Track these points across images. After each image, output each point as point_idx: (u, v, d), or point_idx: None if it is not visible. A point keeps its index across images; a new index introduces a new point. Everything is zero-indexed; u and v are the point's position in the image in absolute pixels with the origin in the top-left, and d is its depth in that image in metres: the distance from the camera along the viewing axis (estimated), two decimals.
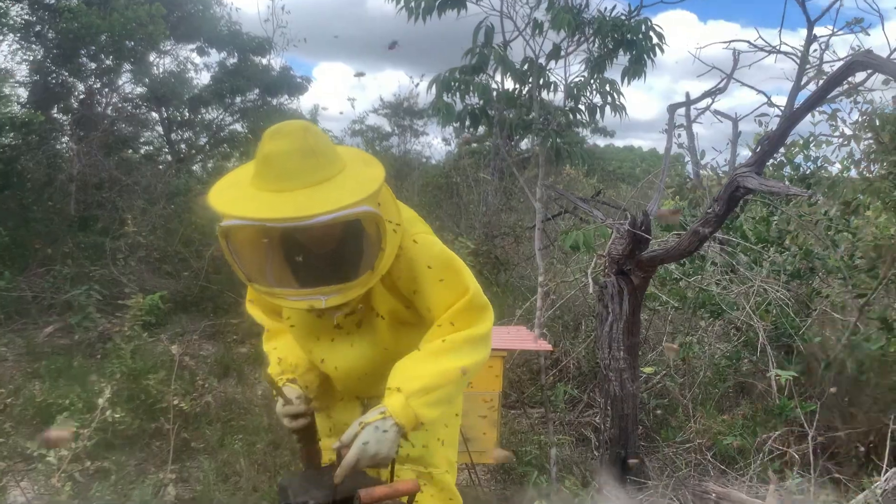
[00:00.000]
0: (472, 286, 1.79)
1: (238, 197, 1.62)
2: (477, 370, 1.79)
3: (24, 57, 8.03)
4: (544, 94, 4.98)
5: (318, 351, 1.92)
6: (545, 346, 3.76)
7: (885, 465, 3.50)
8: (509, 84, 5.05)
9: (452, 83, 4.80)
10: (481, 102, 4.99)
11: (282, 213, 1.54)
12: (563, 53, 4.82)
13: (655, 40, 4.54)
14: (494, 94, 4.99)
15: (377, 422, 1.59)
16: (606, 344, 3.83)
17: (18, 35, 7.79)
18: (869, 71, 4.72)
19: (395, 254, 1.71)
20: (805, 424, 3.68)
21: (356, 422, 1.61)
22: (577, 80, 4.89)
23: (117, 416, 3.72)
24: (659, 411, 4.49)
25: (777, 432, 3.87)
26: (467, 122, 5.13)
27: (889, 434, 3.66)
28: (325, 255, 1.70)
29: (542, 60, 4.88)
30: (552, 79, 4.96)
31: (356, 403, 2.02)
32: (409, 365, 1.71)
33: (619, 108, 4.73)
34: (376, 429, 1.58)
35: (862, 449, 3.86)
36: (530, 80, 4.85)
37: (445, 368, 1.68)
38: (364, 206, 1.57)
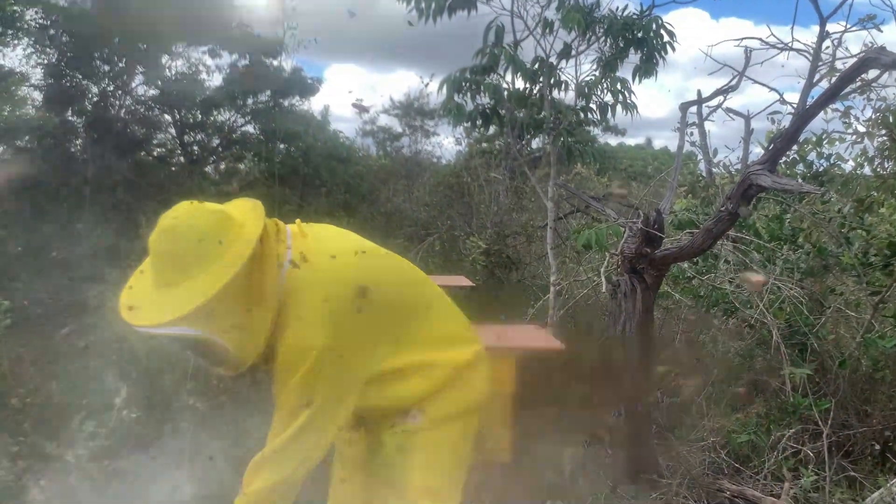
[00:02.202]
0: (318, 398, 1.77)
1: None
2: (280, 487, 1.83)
3: (39, 60, 8.11)
4: (555, 94, 5.00)
5: None
6: (558, 344, 3.76)
7: None
8: (520, 84, 5.07)
9: (463, 83, 4.83)
10: (492, 102, 5.01)
11: (122, 309, 1.68)
12: (573, 53, 4.84)
13: (666, 38, 4.54)
14: (505, 93, 5.01)
15: None
16: (620, 343, 3.84)
17: (33, 39, 7.87)
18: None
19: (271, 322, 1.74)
20: (819, 422, 3.67)
21: None
22: (587, 78, 4.90)
23: (134, 415, 3.76)
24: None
25: (791, 430, 3.85)
26: (478, 122, 5.16)
27: None
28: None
29: (553, 60, 4.89)
30: (563, 78, 4.98)
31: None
32: (252, 468, 1.84)
33: (630, 107, 4.74)
34: None
35: (877, 447, 3.84)
36: (541, 79, 4.87)
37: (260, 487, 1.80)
38: (174, 326, 1.62)
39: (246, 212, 1.78)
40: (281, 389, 1.77)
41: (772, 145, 3.26)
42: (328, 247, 1.84)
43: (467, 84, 4.76)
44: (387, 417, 1.98)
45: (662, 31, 4.47)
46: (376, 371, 1.87)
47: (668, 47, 4.54)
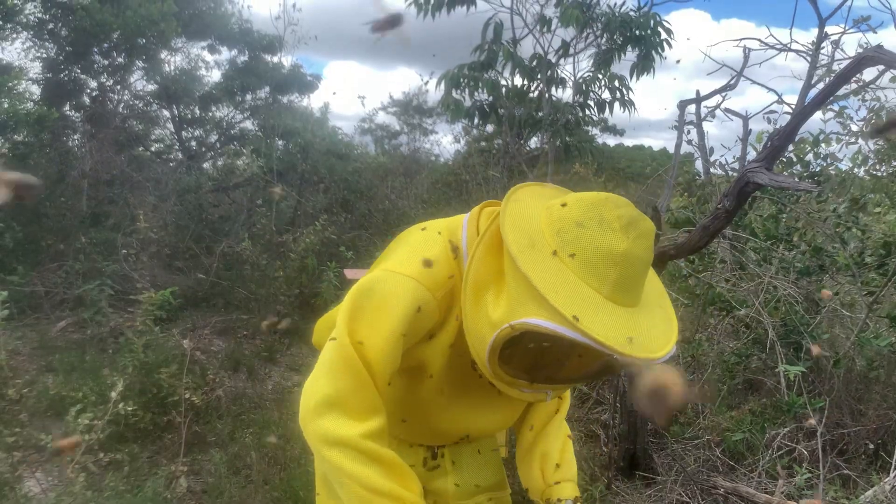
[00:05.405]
0: None
1: (582, 299, 1.25)
2: None
3: (38, 54, 8.09)
4: (553, 91, 5.00)
5: (448, 411, 1.71)
6: None
7: (894, 462, 3.50)
8: (518, 81, 5.08)
9: (461, 79, 4.83)
10: (490, 99, 5.02)
11: (632, 349, 1.22)
12: (571, 51, 4.84)
13: (664, 35, 4.55)
14: (503, 90, 5.01)
15: None
16: None
17: (32, 32, 7.85)
18: (879, 68, 4.73)
19: None
20: (814, 421, 3.68)
21: None
22: (585, 75, 4.91)
23: (129, 409, 3.76)
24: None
25: (786, 429, 3.87)
26: (476, 119, 5.16)
27: None
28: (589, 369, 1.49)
29: (551, 57, 4.90)
30: (561, 74, 4.98)
31: (422, 450, 1.92)
32: (567, 454, 1.85)
33: (627, 104, 4.75)
34: None
35: (871, 446, 3.85)
36: (539, 76, 4.87)
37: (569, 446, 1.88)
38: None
39: None
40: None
41: (770, 143, 3.27)
42: None
43: (465, 80, 4.76)
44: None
45: (660, 29, 4.47)
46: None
47: (665, 44, 4.54)
